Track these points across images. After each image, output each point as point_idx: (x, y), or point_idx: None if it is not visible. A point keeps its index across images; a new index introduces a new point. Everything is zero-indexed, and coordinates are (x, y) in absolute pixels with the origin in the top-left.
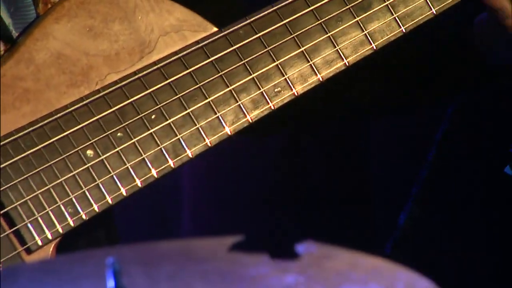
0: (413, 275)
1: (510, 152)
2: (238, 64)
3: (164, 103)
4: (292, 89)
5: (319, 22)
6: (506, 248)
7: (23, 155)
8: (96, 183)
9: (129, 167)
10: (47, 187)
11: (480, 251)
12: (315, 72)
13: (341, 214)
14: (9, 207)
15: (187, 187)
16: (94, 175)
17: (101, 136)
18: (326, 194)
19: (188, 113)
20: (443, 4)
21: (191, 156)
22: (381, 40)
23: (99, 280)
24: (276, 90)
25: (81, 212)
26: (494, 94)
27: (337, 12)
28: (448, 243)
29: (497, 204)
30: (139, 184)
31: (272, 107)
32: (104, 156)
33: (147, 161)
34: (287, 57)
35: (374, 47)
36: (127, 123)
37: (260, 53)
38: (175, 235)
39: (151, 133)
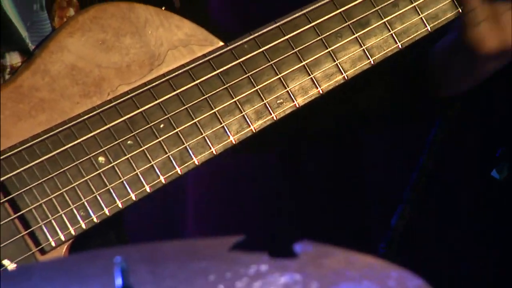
0: (404, 273)
1: (497, 156)
2: (242, 77)
3: (172, 113)
4: (293, 101)
5: (319, 38)
6: (493, 247)
7: (38, 161)
8: (107, 188)
9: (138, 173)
10: (60, 192)
11: (469, 251)
12: (315, 85)
13: (337, 216)
14: (25, 210)
15: (191, 190)
16: (105, 180)
17: (112, 144)
18: (323, 197)
19: (195, 122)
20: (438, 22)
21: (197, 163)
22: (378, 55)
23: (108, 278)
24: (278, 101)
25: (93, 216)
26: (482, 101)
27: (337, 29)
28: (438, 243)
29: (485, 206)
30: (148, 190)
31: (275, 118)
32: (115, 162)
33: (155, 168)
34: (289, 70)
35: (372, 62)
36: (137, 131)
37: (263, 66)
38: (180, 236)
39: (159, 141)
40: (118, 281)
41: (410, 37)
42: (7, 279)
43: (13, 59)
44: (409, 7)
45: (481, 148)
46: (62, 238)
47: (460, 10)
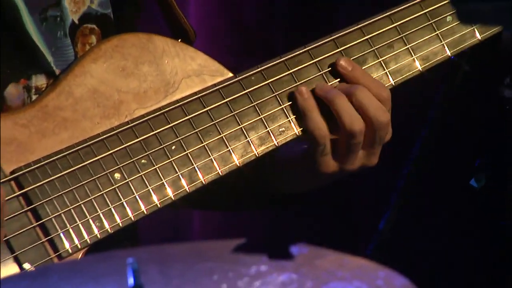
0: (391, 273)
1: (475, 166)
2: (249, 106)
3: (183, 136)
4: (294, 130)
5: (320, 73)
6: (471, 248)
7: (59, 174)
8: (121, 202)
9: (150, 189)
10: (78, 203)
11: (450, 252)
12: None
13: (330, 221)
14: (45, 219)
15: None
16: (120, 195)
17: (128, 162)
18: (318, 205)
19: (204, 145)
20: (429, 63)
21: (204, 182)
22: None
23: (120, 277)
24: (280, 129)
25: (107, 227)
26: (463, 118)
27: None
28: (421, 245)
29: (464, 212)
30: (158, 205)
31: (276, 144)
32: (130, 179)
33: (166, 185)
34: (291, 102)
35: None
36: (150, 151)
37: (268, 97)
38: (187, 238)
39: (171, 161)
40: (130, 280)
41: (403, 76)
42: (27, 278)
43: (39, 80)
44: (403, 48)
45: (461, 159)
46: (79, 245)
47: (450, 55)
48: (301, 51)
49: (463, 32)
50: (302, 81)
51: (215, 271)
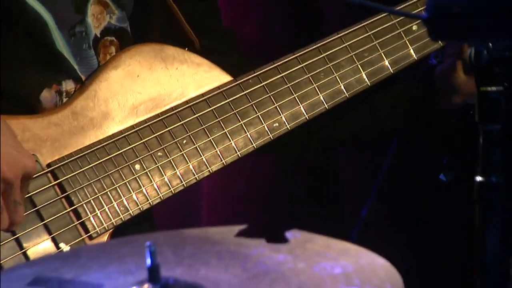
0: (372, 255)
1: (444, 163)
2: (247, 105)
3: (193, 131)
4: (286, 125)
5: (307, 76)
6: (442, 234)
7: (88, 166)
8: (141, 189)
9: (165, 178)
10: (105, 191)
11: (423, 238)
12: (303, 113)
13: (320, 210)
14: (77, 205)
15: (205, 190)
16: (140, 183)
17: (146, 155)
18: (309, 196)
19: (210, 139)
20: (399, 66)
21: (211, 171)
22: (352, 91)
23: (140, 258)
24: (275, 125)
25: (130, 210)
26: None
27: (321, 69)
28: (398, 230)
29: (434, 202)
30: (173, 191)
31: (271, 138)
32: (148, 169)
33: (179, 174)
34: (283, 101)
35: (347, 96)
36: (165, 145)
37: (263, 97)
38: (196, 225)
39: (182, 153)
40: (148, 261)
41: (378, 77)
42: (62, 258)
43: (68, 85)
44: (376, 53)
45: (432, 157)
46: (106, 227)
47: (416, 58)
48: (291, 57)
49: (427, 39)
50: (292, 83)
51: (220, 252)
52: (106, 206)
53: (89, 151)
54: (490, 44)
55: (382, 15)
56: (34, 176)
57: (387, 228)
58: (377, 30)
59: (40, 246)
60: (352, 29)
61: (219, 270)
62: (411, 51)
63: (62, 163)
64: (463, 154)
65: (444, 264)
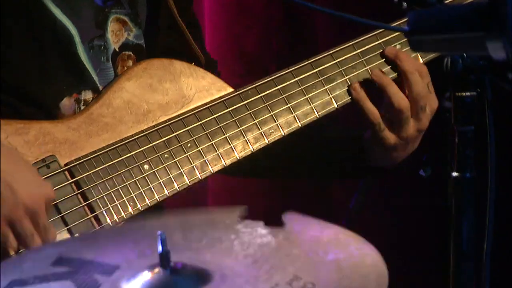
0: (360, 241)
1: (423, 160)
2: (246, 113)
3: (196, 136)
4: (281, 131)
5: (300, 88)
6: (422, 225)
7: (102, 166)
8: (149, 187)
9: (171, 177)
10: (117, 188)
11: (405, 226)
12: (296, 121)
13: (313, 201)
14: (91, 200)
15: (210, 183)
16: (148, 181)
17: (154, 156)
18: (304, 190)
19: (212, 143)
20: None
21: (212, 171)
22: (341, 102)
23: (152, 240)
24: (270, 131)
25: (139, 206)
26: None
27: (312, 82)
28: (382, 221)
29: (415, 194)
30: (178, 189)
31: (267, 142)
32: (155, 169)
33: (183, 174)
34: (278, 110)
35: (336, 106)
36: (171, 148)
37: (261, 106)
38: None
39: (187, 155)
40: (159, 248)
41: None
42: (82, 240)
43: (87, 95)
44: (363, 69)
45: (412, 154)
46: (117, 220)
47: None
48: (286, 72)
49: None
50: (287, 94)
51: (224, 237)
52: (117, 201)
53: (102, 152)
54: (465, 54)
55: (369, 35)
56: (53, 173)
57: (372, 218)
58: (364, 48)
59: (57, 236)
60: (341, 47)
61: (222, 255)
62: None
63: (78, 162)
64: (440, 151)
65: (423, 253)
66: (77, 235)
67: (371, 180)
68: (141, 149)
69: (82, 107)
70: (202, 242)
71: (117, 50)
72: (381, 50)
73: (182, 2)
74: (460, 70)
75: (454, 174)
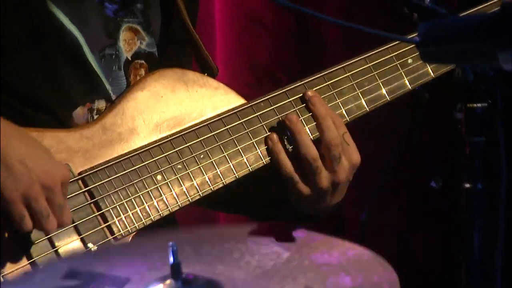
0: (372, 255)
1: (435, 171)
2: (259, 125)
3: (209, 147)
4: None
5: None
6: (432, 234)
7: (115, 176)
8: (162, 197)
9: (184, 188)
10: (130, 198)
11: (414, 236)
12: (308, 133)
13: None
14: (104, 210)
15: None
16: (161, 192)
17: (167, 167)
18: None
19: (225, 155)
20: (395, 94)
21: (225, 183)
22: (353, 115)
23: (163, 253)
24: None
25: (151, 216)
26: (424, 134)
27: (325, 95)
28: (392, 232)
29: (426, 205)
30: (190, 200)
31: None
32: (168, 180)
33: (196, 185)
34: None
35: (348, 120)
36: (184, 159)
37: (273, 118)
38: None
39: (199, 167)
40: (171, 259)
41: (375, 104)
42: (92, 257)
43: (100, 104)
44: (375, 83)
45: (424, 166)
46: (130, 230)
47: (411, 88)
48: (298, 84)
49: (421, 71)
50: (299, 107)
51: (234, 250)
52: (130, 211)
53: (116, 161)
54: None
55: (381, 49)
56: None
57: (383, 230)
58: (376, 62)
59: (70, 245)
60: (353, 60)
61: (233, 267)
62: (406, 81)
63: (92, 171)
64: (452, 163)
65: (434, 264)
66: (93, 248)
67: (381, 189)
68: (154, 159)
69: (95, 116)
70: (212, 254)
71: (129, 58)
72: (394, 63)
73: (193, 13)
74: (471, 81)
75: (466, 185)
